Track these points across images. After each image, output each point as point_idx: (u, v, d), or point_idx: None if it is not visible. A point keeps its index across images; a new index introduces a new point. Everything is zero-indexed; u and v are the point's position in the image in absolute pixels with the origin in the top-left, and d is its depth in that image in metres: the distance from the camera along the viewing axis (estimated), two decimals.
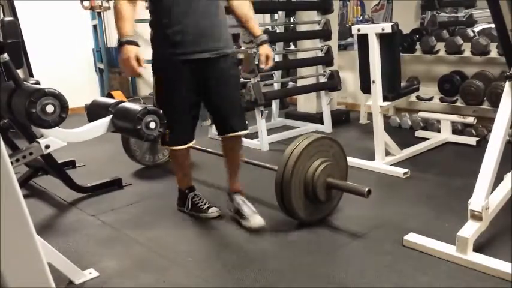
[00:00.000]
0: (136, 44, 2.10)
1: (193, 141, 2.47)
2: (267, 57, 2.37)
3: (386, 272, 1.97)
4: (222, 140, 2.49)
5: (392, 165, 3.31)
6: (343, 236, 2.32)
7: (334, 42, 4.71)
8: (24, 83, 2.00)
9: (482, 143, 3.69)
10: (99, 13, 6.05)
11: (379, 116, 3.29)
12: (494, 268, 1.89)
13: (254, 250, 2.21)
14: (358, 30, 3.30)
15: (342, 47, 5.77)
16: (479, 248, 2.04)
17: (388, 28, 3.10)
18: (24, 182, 3.11)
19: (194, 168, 2.74)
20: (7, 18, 3.20)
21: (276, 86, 4.81)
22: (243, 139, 2.71)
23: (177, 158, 2.55)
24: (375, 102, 3.29)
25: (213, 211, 2.55)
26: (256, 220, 2.36)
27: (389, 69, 3.24)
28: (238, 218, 2.45)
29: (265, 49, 2.37)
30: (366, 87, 3.35)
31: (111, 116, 2.19)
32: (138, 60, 2.07)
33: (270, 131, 4.26)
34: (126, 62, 2.06)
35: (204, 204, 2.58)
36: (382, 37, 3.17)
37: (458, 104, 4.21)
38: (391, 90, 3.30)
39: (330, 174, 2.37)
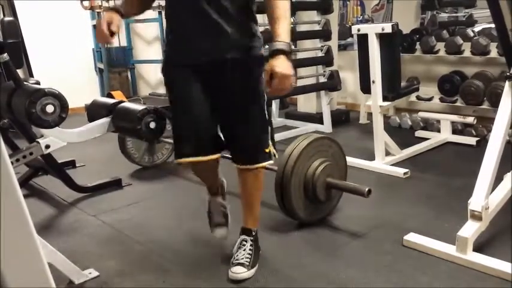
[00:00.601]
0: (117, 11, 1.78)
1: (209, 156, 1.87)
2: (274, 76, 1.64)
3: (386, 272, 1.97)
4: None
5: (392, 165, 3.31)
6: (343, 236, 2.32)
7: (334, 42, 4.71)
8: (24, 83, 2.00)
9: (482, 143, 3.69)
10: (99, 13, 6.04)
11: (379, 116, 3.29)
12: (494, 268, 1.89)
13: None
14: (358, 30, 3.30)
15: (342, 47, 5.78)
16: (479, 248, 2.04)
17: (388, 28, 3.10)
18: (24, 182, 3.11)
19: None
20: (7, 18, 3.20)
21: None
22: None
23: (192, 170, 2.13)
24: (375, 102, 3.29)
25: (217, 233, 2.17)
26: (234, 271, 1.92)
27: (389, 69, 3.24)
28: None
29: (273, 63, 1.66)
30: (366, 87, 3.36)
31: (111, 116, 2.20)
32: (110, 25, 1.72)
33: None
34: (98, 25, 1.74)
35: (216, 219, 2.18)
36: (382, 37, 3.17)
37: (458, 104, 4.21)
38: (391, 90, 3.30)
39: (329, 174, 2.37)
